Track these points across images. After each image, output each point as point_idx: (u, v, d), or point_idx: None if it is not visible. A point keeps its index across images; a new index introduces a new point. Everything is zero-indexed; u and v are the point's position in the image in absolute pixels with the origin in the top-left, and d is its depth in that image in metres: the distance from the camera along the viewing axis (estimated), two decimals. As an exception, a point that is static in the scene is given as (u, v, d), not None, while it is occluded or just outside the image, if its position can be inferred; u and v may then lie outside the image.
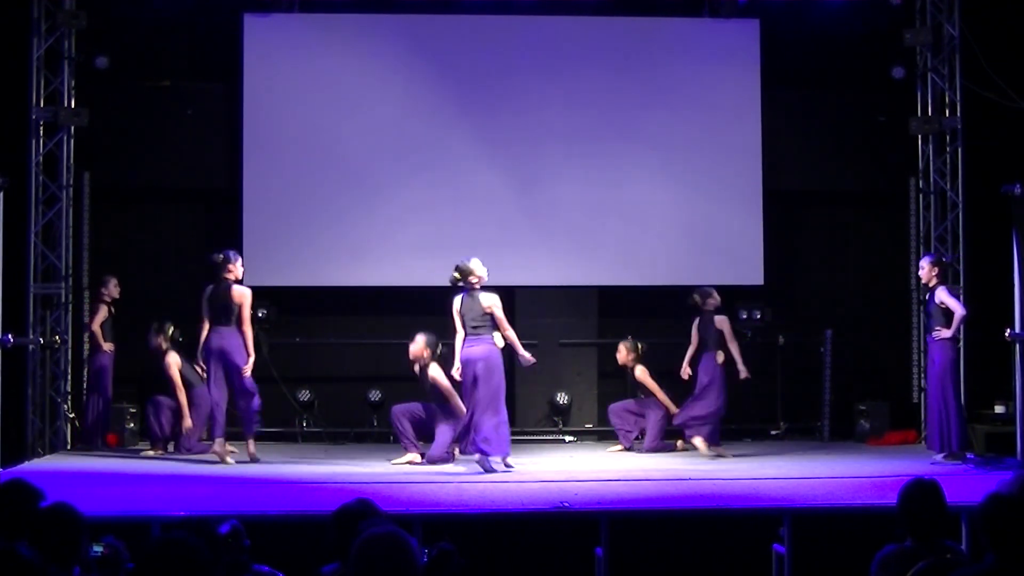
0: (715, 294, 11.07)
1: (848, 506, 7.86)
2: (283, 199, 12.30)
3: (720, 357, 10.89)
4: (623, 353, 11.59)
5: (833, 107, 13.04)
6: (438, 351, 10.41)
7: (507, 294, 10.79)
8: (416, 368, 10.45)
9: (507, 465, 9.62)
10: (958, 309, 10.27)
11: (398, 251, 11.84)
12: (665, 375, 12.25)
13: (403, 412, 10.44)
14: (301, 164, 12.38)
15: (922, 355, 12.61)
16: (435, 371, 10.32)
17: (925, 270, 10.47)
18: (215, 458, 10.09)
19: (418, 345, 10.39)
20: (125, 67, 12.42)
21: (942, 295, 10.31)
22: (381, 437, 12.23)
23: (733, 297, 12.06)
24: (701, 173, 12.63)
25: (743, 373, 10.91)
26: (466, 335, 9.65)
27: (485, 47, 12.64)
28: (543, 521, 7.63)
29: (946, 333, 10.22)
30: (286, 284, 12.06)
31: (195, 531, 4.13)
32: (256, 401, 10.22)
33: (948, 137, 12.43)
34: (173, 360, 11.03)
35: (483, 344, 9.61)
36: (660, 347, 12.17)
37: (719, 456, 10.65)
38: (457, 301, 9.70)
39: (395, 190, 12.39)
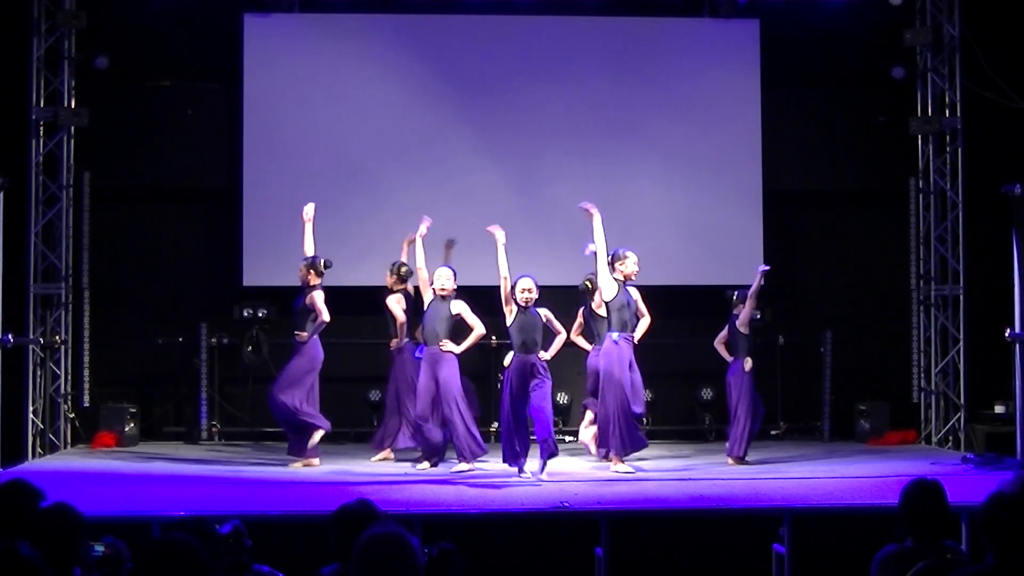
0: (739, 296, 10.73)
1: (848, 506, 7.87)
2: (283, 199, 12.27)
3: (748, 364, 10.44)
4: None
5: (833, 107, 13.03)
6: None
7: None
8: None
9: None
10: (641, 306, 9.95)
11: (398, 251, 11.80)
12: (663, 375, 12.25)
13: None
14: (301, 164, 12.38)
15: (922, 355, 12.61)
16: (460, 306, 10.20)
17: (632, 261, 9.90)
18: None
19: (449, 279, 10.24)
20: (125, 67, 12.42)
21: (635, 293, 9.99)
22: (381, 437, 12.20)
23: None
24: (701, 173, 12.63)
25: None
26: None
27: (485, 47, 12.65)
28: (543, 521, 7.64)
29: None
30: (286, 284, 12.02)
31: (195, 531, 4.13)
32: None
33: (948, 137, 12.43)
34: (319, 295, 10.48)
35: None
36: (660, 347, 12.14)
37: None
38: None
39: (395, 190, 12.39)
